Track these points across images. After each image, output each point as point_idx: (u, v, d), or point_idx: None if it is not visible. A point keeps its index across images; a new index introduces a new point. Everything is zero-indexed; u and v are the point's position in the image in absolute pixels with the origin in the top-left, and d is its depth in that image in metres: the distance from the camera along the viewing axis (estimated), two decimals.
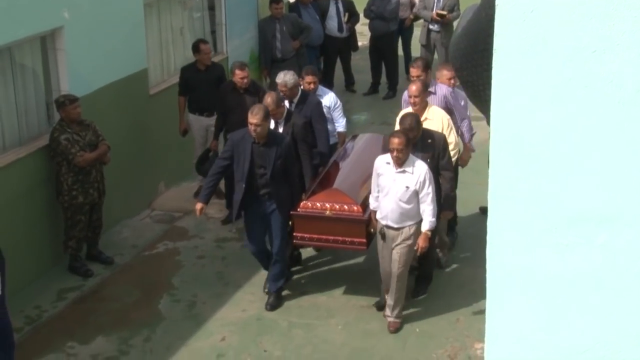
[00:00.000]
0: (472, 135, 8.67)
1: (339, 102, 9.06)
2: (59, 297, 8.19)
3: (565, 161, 1.97)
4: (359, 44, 14.11)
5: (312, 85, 8.78)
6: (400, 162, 7.01)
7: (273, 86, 12.03)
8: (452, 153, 7.83)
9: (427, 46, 13.33)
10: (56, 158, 8.24)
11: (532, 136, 2.00)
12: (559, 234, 1.95)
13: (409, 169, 7.06)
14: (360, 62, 14.29)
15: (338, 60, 13.72)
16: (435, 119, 7.85)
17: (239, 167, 7.55)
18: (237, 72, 9.14)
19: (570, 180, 1.97)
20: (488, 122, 2.19)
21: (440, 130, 7.77)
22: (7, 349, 7.10)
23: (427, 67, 8.55)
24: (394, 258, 7.21)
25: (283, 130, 7.99)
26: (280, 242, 7.70)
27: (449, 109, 8.31)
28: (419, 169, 7.07)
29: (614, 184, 1.91)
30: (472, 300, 7.91)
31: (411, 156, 7.09)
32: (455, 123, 8.24)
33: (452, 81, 8.42)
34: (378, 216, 7.31)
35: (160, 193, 10.22)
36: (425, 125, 7.71)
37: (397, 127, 7.76)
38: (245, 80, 9.14)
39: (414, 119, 7.41)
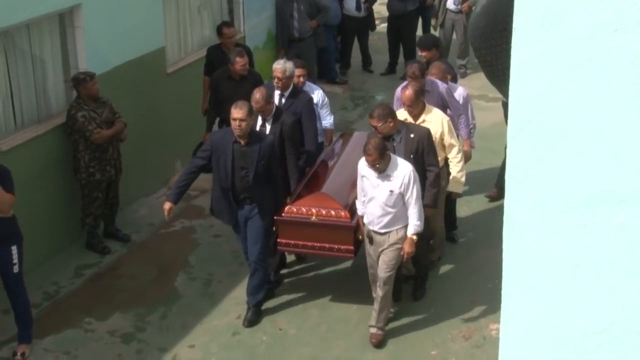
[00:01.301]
0: (471, 130, 8.41)
1: (326, 98, 8.65)
2: (76, 274, 8.25)
3: (583, 142, 1.96)
4: (377, 23, 14.06)
5: (301, 79, 8.33)
6: (380, 171, 6.64)
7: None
8: (457, 156, 7.55)
9: (444, 27, 13.28)
10: (73, 135, 8.27)
11: (551, 116, 1.99)
12: (576, 215, 1.94)
13: (391, 172, 6.66)
14: (378, 42, 14.24)
15: (355, 40, 13.67)
16: (434, 122, 7.45)
17: (219, 168, 7.09)
18: (238, 59, 8.81)
19: (588, 161, 1.95)
20: (505, 103, 2.17)
21: (439, 133, 7.42)
22: (26, 324, 7.18)
23: (423, 70, 8.01)
24: (381, 262, 6.89)
25: (271, 129, 7.53)
26: (260, 249, 7.23)
27: (445, 107, 8.02)
28: (402, 171, 6.66)
29: (632, 165, 1.90)
30: (488, 281, 7.91)
31: (393, 158, 6.69)
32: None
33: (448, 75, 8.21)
34: (365, 221, 6.97)
35: (177, 171, 10.24)
36: None
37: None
38: (246, 67, 8.92)
39: (381, 111, 6.97)
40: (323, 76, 12.93)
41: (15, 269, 6.96)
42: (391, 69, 13.77)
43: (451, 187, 7.78)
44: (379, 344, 7.06)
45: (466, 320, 7.54)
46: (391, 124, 6.93)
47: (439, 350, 7.17)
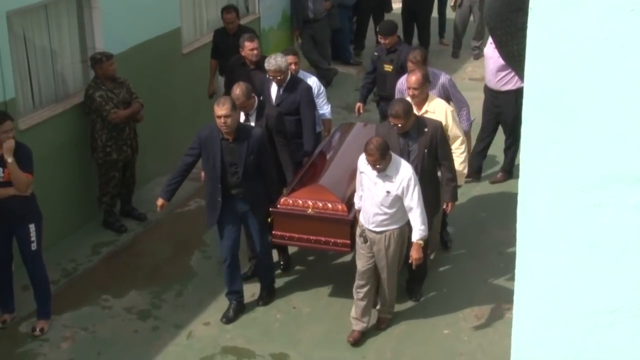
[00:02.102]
0: (471, 123, 8.26)
1: (322, 87, 8.34)
2: (93, 252, 8.30)
3: (598, 122, 1.95)
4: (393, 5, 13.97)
5: (293, 66, 8.00)
6: (380, 171, 6.36)
7: (305, 46, 12.01)
8: (460, 147, 7.30)
9: (462, 7, 13.20)
10: (91, 115, 8.30)
11: (566, 97, 1.98)
12: (591, 195, 1.93)
13: (391, 173, 6.35)
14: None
15: (371, 22, 13.59)
16: (437, 112, 7.20)
17: (208, 165, 6.90)
18: (247, 44, 8.46)
19: (602, 142, 1.94)
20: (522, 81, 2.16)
21: (442, 123, 7.14)
22: (45, 300, 7.23)
23: (425, 57, 7.83)
24: (380, 266, 6.66)
25: (255, 124, 7.27)
26: (264, 243, 7.13)
27: (447, 98, 7.83)
28: (403, 174, 6.34)
29: None
30: (501, 261, 7.91)
31: (395, 158, 6.40)
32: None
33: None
34: (360, 217, 6.68)
35: None
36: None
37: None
38: (256, 52, 8.46)
39: (404, 107, 6.74)
40: (337, 57, 12.89)
41: (34, 246, 7.01)
42: None
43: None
44: (386, 327, 7.03)
45: (479, 299, 7.54)
46: (412, 120, 6.75)
47: (451, 329, 7.18)
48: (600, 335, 1.98)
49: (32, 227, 6.97)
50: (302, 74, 8.25)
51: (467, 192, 8.99)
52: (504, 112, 9.01)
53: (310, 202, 6.90)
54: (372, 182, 6.42)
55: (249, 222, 7.02)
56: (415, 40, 13.53)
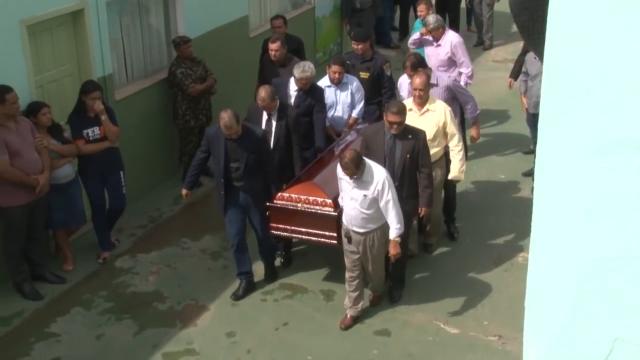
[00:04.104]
0: (477, 115, 7.73)
1: (362, 89, 7.80)
2: (174, 202, 8.41)
3: (607, 96, 1.91)
4: None
5: (337, 75, 7.57)
6: (356, 179, 5.93)
7: (352, 32, 11.89)
8: (458, 144, 6.80)
9: (476, 2, 12.99)
10: (173, 89, 8.37)
11: (580, 74, 1.94)
12: (599, 159, 1.90)
13: (367, 178, 5.91)
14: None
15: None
16: (437, 111, 6.78)
17: (215, 160, 6.61)
18: (270, 45, 8.21)
19: (612, 112, 1.91)
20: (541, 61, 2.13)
21: (442, 123, 6.73)
22: (109, 234, 7.41)
23: (422, 63, 7.38)
24: (367, 262, 6.22)
25: (277, 122, 6.92)
26: (265, 230, 6.74)
27: (452, 98, 7.40)
28: (377, 178, 5.90)
29: None
30: (517, 217, 7.84)
31: (369, 164, 5.93)
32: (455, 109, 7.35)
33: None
34: (343, 219, 6.23)
35: None
36: (427, 116, 6.75)
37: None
38: (273, 53, 8.11)
39: (403, 106, 6.35)
40: (379, 42, 12.77)
41: (124, 189, 7.21)
42: None
43: (452, 175, 6.95)
44: (378, 303, 6.59)
45: (497, 249, 7.49)
46: (405, 120, 6.28)
47: (471, 272, 7.15)
48: (604, 278, 1.96)
49: (122, 173, 7.19)
50: (346, 77, 7.74)
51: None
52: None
53: (302, 198, 6.48)
54: (350, 187, 5.99)
55: (250, 213, 6.67)
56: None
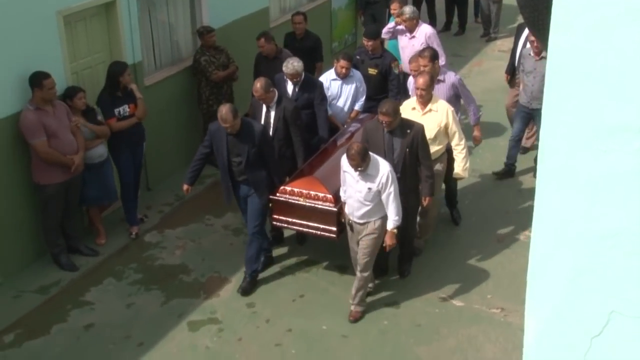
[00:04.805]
0: (479, 117, 7.47)
1: (364, 84, 7.64)
2: (199, 182, 8.35)
3: (608, 82, 1.90)
4: None
5: (344, 70, 7.42)
6: (362, 171, 5.78)
7: (366, 23, 11.83)
8: (460, 143, 6.60)
9: None
10: (197, 75, 8.38)
11: (582, 61, 1.93)
12: (599, 142, 1.89)
13: (371, 172, 5.76)
14: (437, 4, 13.87)
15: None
16: (439, 111, 6.54)
17: (218, 155, 6.41)
18: (257, 41, 8.15)
19: (611, 98, 1.89)
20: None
21: (444, 123, 6.52)
22: (135, 210, 7.47)
23: (434, 58, 7.02)
24: (360, 248, 6.04)
25: (275, 114, 6.71)
26: (257, 224, 6.43)
27: (456, 95, 7.16)
28: (381, 171, 5.75)
29: None
30: (520, 198, 7.81)
31: (374, 158, 5.79)
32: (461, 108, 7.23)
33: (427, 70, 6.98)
34: (345, 210, 6.08)
35: None
36: (429, 116, 6.51)
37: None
38: (265, 48, 8.07)
39: (393, 107, 6.11)
40: None
41: (143, 160, 7.38)
42: (447, 27, 13.42)
43: (457, 172, 6.79)
44: (357, 320, 6.20)
45: (500, 227, 7.48)
46: (398, 120, 6.11)
47: (475, 249, 7.15)
48: (602, 255, 1.96)
49: (144, 144, 7.31)
50: (352, 71, 7.57)
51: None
52: None
53: (303, 192, 6.29)
54: (355, 180, 5.83)
55: (250, 204, 6.44)
56: (455, 18, 13.28)
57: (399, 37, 8.69)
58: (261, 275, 6.80)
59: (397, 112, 6.10)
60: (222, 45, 8.43)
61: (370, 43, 7.99)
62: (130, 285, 6.74)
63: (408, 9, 8.58)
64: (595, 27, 1.89)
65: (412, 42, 8.51)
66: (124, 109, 7.09)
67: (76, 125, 6.64)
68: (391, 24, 8.83)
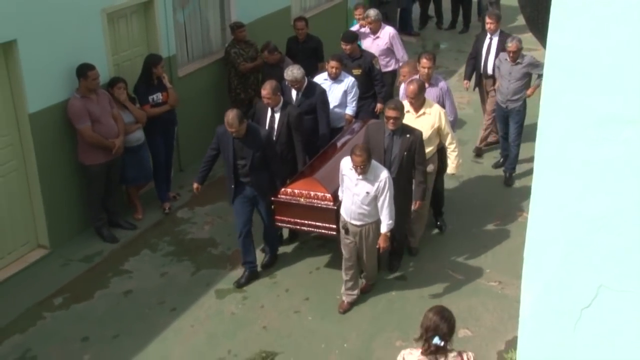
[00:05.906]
0: (453, 121, 7.07)
1: (356, 87, 7.28)
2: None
3: (600, 77, 1.89)
4: None
5: (334, 70, 7.11)
6: (362, 174, 5.54)
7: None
8: (453, 142, 6.42)
9: None
10: (227, 66, 8.39)
11: (576, 58, 1.91)
12: (592, 132, 1.89)
13: (370, 176, 5.53)
14: (443, 3, 13.74)
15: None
16: (432, 113, 6.33)
17: (224, 158, 6.18)
18: (266, 53, 8.05)
19: (603, 92, 1.88)
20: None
21: (436, 125, 6.31)
22: (167, 186, 7.48)
23: (434, 58, 6.84)
24: (362, 251, 5.83)
25: (279, 117, 6.45)
26: (269, 219, 6.29)
27: (443, 99, 6.84)
28: (380, 176, 5.52)
29: (635, 96, 1.82)
30: (518, 183, 7.77)
31: (374, 164, 5.57)
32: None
33: (428, 71, 6.76)
34: (341, 212, 5.83)
35: None
36: (422, 119, 6.30)
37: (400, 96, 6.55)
38: (269, 59, 7.98)
39: (401, 104, 5.97)
40: (401, 30, 12.59)
41: (173, 143, 7.35)
42: (452, 25, 13.28)
43: (450, 170, 6.62)
44: (345, 311, 6.01)
45: (500, 208, 7.44)
46: (402, 119, 5.93)
47: (477, 229, 7.14)
48: (592, 234, 1.96)
49: (176, 128, 7.40)
50: (342, 74, 7.25)
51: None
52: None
53: (304, 192, 6.08)
54: (353, 183, 5.58)
55: (258, 205, 6.24)
56: (460, 17, 13.14)
57: (362, 40, 8.60)
58: (282, 250, 6.83)
59: (404, 109, 5.99)
60: (251, 39, 8.42)
61: (348, 47, 7.71)
62: (164, 257, 6.80)
63: (372, 12, 8.53)
64: (588, 28, 1.87)
65: (377, 42, 8.53)
66: (157, 97, 7.15)
67: (117, 111, 6.71)
68: (355, 27, 8.80)
